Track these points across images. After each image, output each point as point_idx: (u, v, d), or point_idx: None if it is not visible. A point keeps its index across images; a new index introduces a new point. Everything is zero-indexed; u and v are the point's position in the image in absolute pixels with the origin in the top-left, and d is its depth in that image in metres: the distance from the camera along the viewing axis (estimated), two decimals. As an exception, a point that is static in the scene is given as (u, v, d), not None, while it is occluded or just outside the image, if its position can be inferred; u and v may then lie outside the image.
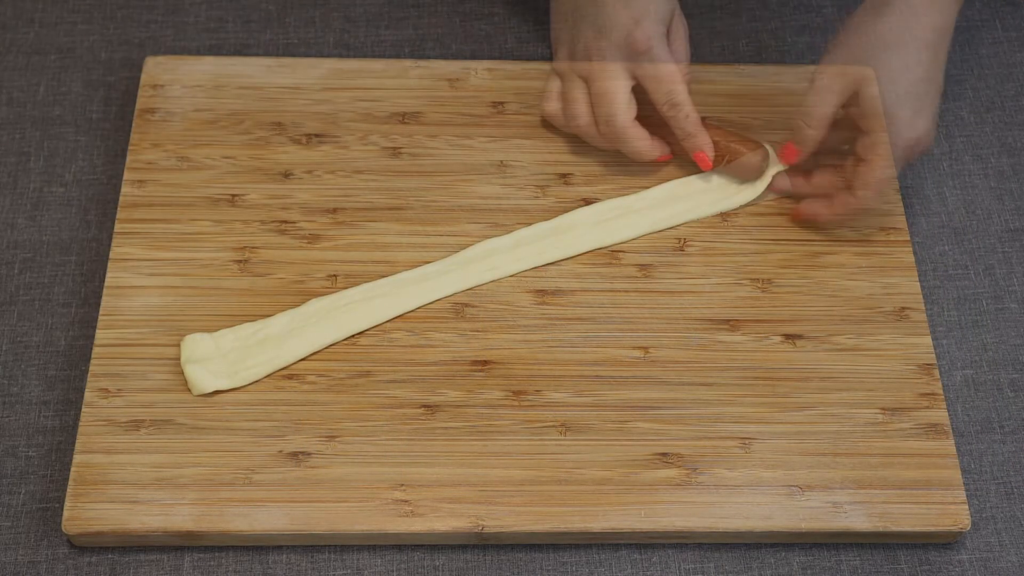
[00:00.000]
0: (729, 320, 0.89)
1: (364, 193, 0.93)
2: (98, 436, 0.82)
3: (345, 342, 0.87)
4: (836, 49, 0.89)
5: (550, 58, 1.00)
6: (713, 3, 1.07)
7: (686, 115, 0.91)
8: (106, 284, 0.88)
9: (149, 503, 0.80)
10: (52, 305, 0.90)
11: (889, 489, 0.83)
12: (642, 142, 0.92)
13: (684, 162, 0.94)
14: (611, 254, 0.91)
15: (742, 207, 0.93)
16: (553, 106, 0.94)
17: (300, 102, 0.97)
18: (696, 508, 0.81)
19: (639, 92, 0.92)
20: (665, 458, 0.83)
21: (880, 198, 0.90)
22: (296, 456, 0.82)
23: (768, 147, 0.93)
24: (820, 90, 0.88)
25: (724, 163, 0.92)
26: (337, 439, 0.83)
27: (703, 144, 0.92)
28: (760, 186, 0.93)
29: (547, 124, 0.96)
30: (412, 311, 0.88)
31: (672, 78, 0.90)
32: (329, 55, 1.03)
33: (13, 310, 0.90)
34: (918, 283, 0.91)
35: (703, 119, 0.92)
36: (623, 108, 0.90)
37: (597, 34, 0.90)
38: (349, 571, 0.82)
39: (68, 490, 0.80)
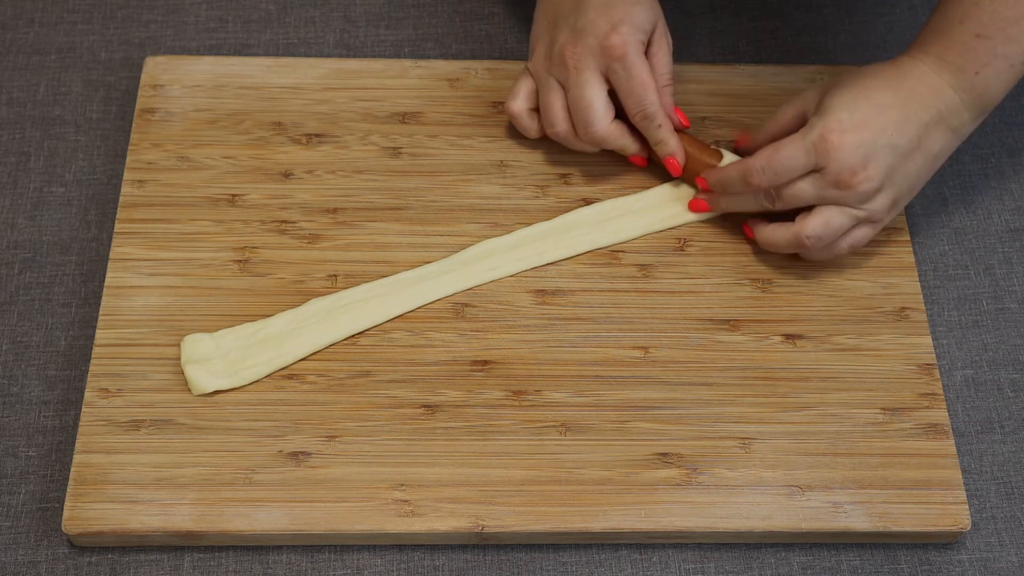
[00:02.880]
0: (729, 320, 0.89)
1: (364, 193, 0.93)
2: (98, 436, 0.82)
3: (345, 342, 0.87)
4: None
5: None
6: (713, 3, 1.07)
7: (658, 125, 0.90)
8: (106, 284, 0.88)
9: (149, 503, 0.80)
10: (52, 305, 0.90)
11: (889, 489, 0.83)
12: (623, 140, 0.91)
13: (684, 162, 0.95)
14: (611, 254, 0.91)
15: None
16: (519, 105, 0.92)
17: (300, 102, 0.97)
18: (696, 508, 0.81)
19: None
20: (665, 458, 0.83)
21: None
22: (296, 456, 0.82)
23: (728, 155, 0.92)
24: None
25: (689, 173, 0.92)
26: (337, 439, 0.83)
27: (674, 150, 0.91)
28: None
29: (547, 124, 0.96)
30: (412, 311, 0.88)
31: (645, 88, 0.88)
32: (329, 55, 1.03)
33: (13, 310, 0.90)
34: (918, 283, 0.91)
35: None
36: (601, 116, 0.89)
37: (574, 37, 0.88)
38: (349, 571, 0.82)
39: (68, 490, 0.80)
